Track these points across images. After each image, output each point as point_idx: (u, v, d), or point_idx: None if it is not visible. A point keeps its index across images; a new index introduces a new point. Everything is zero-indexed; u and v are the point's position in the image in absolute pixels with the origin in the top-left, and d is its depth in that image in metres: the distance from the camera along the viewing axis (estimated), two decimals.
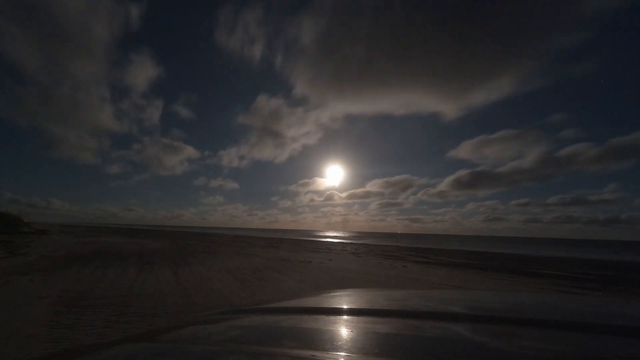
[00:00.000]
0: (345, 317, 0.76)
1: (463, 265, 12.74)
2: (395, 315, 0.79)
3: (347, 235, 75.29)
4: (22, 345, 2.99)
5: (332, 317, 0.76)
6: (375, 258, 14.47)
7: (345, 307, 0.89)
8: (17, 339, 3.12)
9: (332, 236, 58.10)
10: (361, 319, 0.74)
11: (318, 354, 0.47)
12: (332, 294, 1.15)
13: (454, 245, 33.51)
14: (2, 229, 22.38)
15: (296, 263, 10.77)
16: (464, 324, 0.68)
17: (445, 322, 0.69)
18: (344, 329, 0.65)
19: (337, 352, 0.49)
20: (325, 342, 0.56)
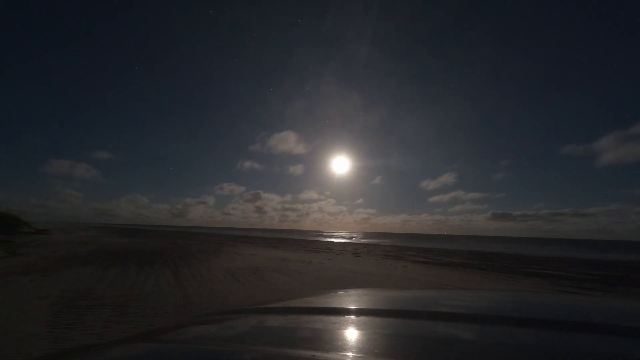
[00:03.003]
0: (345, 317, 0.76)
1: (463, 265, 12.74)
2: (395, 315, 0.79)
3: (347, 235, 75.30)
4: (22, 345, 2.99)
5: (332, 317, 0.76)
6: (376, 258, 14.47)
7: (345, 307, 0.89)
8: (17, 339, 3.12)
9: (332, 236, 58.13)
10: (361, 319, 0.74)
11: (318, 354, 0.47)
12: (332, 294, 1.16)
13: (454, 245, 33.53)
14: (1, 229, 22.39)
15: (296, 263, 10.77)
16: (464, 324, 0.68)
17: (445, 322, 0.69)
18: (343, 329, 0.65)
19: (337, 352, 0.49)
20: (325, 342, 0.56)
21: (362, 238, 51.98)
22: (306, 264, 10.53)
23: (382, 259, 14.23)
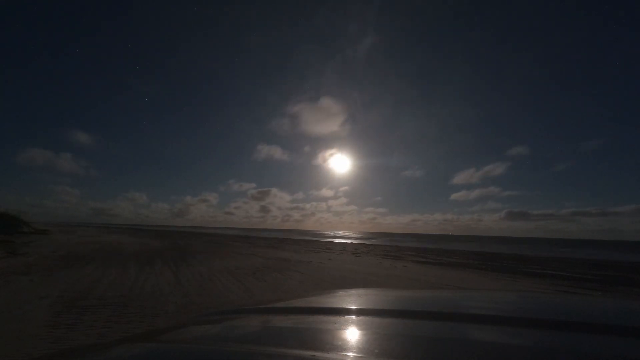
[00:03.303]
0: (345, 317, 0.76)
1: (463, 265, 12.74)
2: (396, 315, 0.79)
3: (347, 235, 75.28)
4: (22, 345, 2.99)
5: (332, 317, 0.76)
6: (376, 258, 14.47)
7: (345, 307, 0.89)
8: (17, 339, 3.12)
9: (334, 236, 58.10)
10: (361, 319, 0.74)
11: (318, 354, 0.47)
12: (332, 294, 1.16)
13: (454, 246, 33.52)
14: (1, 228, 22.37)
15: (296, 263, 10.77)
16: (464, 324, 0.68)
17: (445, 322, 0.69)
18: (343, 329, 0.65)
19: (337, 352, 0.48)
20: (325, 342, 0.56)
21: (364, 238, 51.95)
22: (306, 264, 10.53)
23: (382, 259, 14.22)
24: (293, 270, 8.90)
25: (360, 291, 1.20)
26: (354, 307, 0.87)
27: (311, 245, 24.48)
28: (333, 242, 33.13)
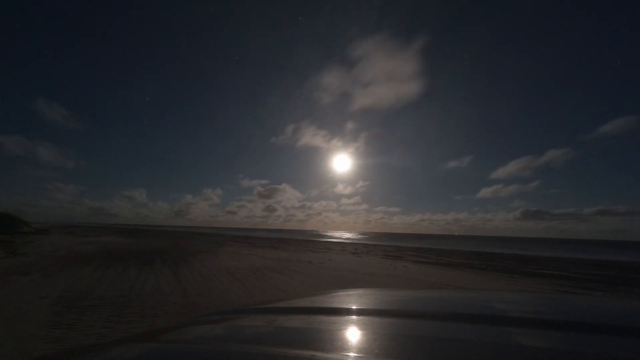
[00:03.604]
0: (345, 317, 0.76)
1: (463, 265, 12.74)
2: (395, 315, 0.79)
3: (349, 235, 75.27)
4: (22, 345, 2.99)
5: (331, 317, 0.76)
6: (376, 258, 14.47)
7: (345, 307, 0.89)
8: (17, 339, 3.12)
9: (334, 236, 58.09)
10: (361, 319, 0.74)
11: (318, 354, 0.47)
12: (332, 294, 1.15)
13: (454, 246, 33.50)
14: (1, 228, 22.36)
15: (296, 263, 10.77)
16: (464, 324, 0.68)
17: (445, 322, 0.69)
18: (343, 329, 0.65)
19: (337, 352, 0.48)
20: (325, 342, 0.56)
21: (365, 239, 51.93)
22: (306, 264, 10.53)
23: (382, 259, 14.21)
24: (293, 270, 8.90)
25: (360, 291, 1.20)
26: (354, 307, 0.87)
27: (312, 245, 24.48)
28: (333, 242, 33.13)
